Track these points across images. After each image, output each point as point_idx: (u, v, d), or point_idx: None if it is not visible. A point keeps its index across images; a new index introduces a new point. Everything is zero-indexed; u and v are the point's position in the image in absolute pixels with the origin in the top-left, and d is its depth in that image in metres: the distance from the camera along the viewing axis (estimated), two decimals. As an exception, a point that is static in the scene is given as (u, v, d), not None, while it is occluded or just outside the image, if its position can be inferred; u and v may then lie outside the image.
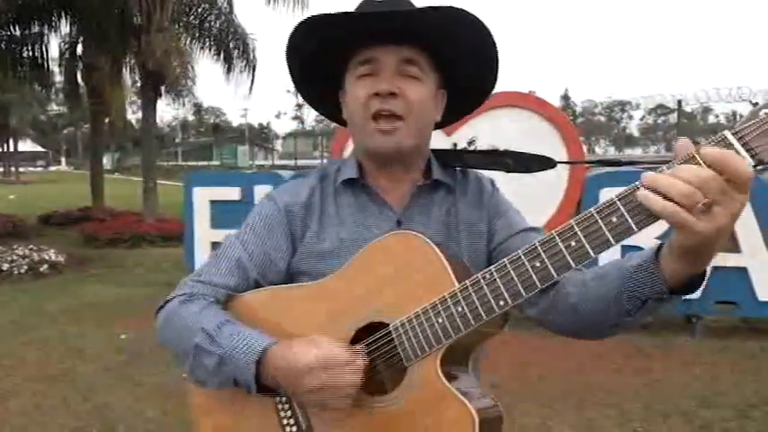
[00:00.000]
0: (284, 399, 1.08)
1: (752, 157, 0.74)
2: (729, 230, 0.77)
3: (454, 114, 1.26)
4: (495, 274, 0.92)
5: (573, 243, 0.85)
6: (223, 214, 5.85)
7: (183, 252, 6.45)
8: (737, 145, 0.74)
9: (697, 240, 0.77)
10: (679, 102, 15.59)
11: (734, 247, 4.97)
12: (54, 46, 13.39)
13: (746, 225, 4.92)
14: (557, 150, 5.43)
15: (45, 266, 8.20)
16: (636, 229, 0.80)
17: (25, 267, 8.07)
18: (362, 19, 1.09)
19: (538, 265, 0.88)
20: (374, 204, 1.19)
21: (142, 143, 12.64)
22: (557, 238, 0.86)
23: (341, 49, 1.14)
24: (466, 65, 1.16)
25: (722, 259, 4.98)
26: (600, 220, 0.82)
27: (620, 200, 0.81)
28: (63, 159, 71.78)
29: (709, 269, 0.87)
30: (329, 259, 1.14)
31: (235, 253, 1.17)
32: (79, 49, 13.27)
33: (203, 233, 5.93)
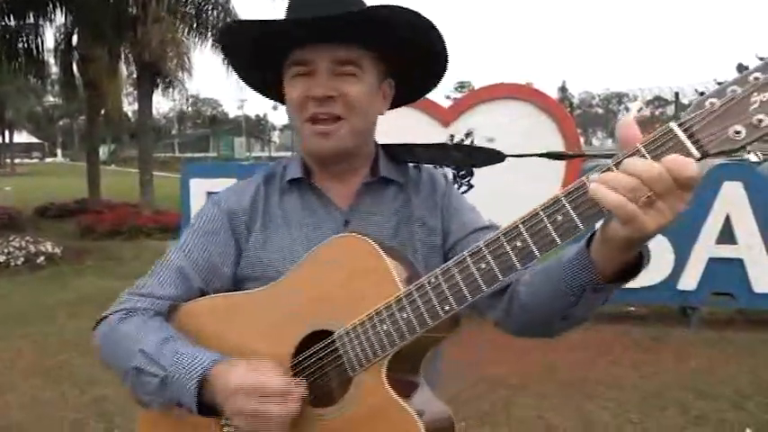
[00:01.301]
0: (228, 419, 1.02)
1: (698, 149, 0.71)
2: (670, 226, 0.74)
3: (411, 96, 1.22)
4: (440, 277, 0.87)
5: (518, 243, 0.81)
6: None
7: (179, 244, 6.43)
8: (683, 137, 0.72)
9: (640, 234, 0.74)
10: (676, 94, 15.59)
11: (730, 238, 4.99)
12: (50, 37, 13.30)
13: (742, 216, 4.94)
14: (554, 142, 5.42)
15: (42, 258, 8.19)
16: (582, 227, 0.77)
17: (22, 259, 8.06)
18: (291, 25, 1.05)
19: (483, 266, 0.84)
20: (320, 204, 1.15)
21: (139, 135, 12.59)
22: (502, 238, 0.82)
23: (273, 50, 1.10)
24: (408, 53, 1.11)
25: (718, 251, 5.01)
26: (545, 219, 0.78)
27: (565, 197, 0.77)
28: (59, 151, 71.53)
29: (646, 258, 0.85)
30: (276, 263, 1.10)
31: (176, 262, 1.13)
32: (75, 40, 13.20)
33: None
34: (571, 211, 0.77)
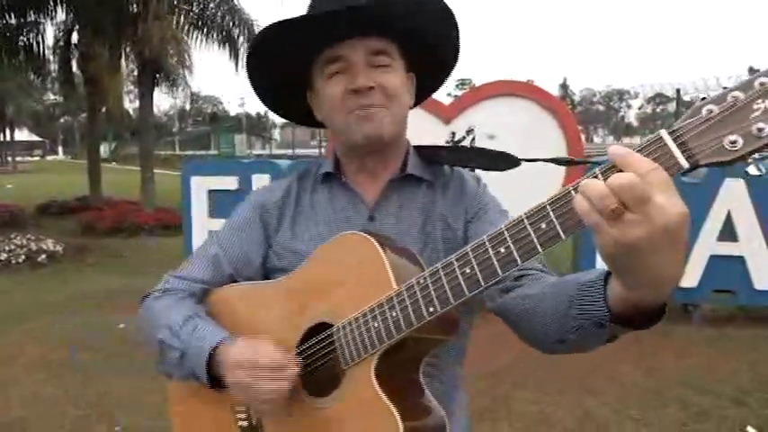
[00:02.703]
0: None
1: (688, 158, 0.66)
2: (656, 250, 0.66)
3: (420, 95, 1.24)
4: (428, 279, 0.88)
5: (502, 249, 0.79)
6: (221, 203, 5.83)
7: (181, 241, 6.44)
8: (673, 146, 0.67)
9: (612, 250, 0.67)
10: (678, 91, 15.55)
11: (731, 236, 4.99)
12: (50, 34, 13.32)
13: (743, 214, 4.93)
14: (555, 139, 5.43)
15: (43, 256, 8.20)
16: (563, 237, 0.74)
17: (23, 257, 8.06)
18: (326, 19, 1.04)
19: (467, 271, 0.83)
20: (348, 199, 1.18)
21: (140, 133, 12.58)
22: (487, 243, 0.81)
23: (304, 51, 1.11)
24: (432, 46, 1.14)
25: (719, 248, 5.01)
26: (529, 226, 0.76)
27: (550, 204, 0.74)
28: (60, 149, 71.55)
29: (665, 313, 0.77)
30: (303, 255, 1.13)
31: (211, 250, 1.22)
32: (75, 37, 13.19)
33: (201, 222, 5.91)
34: (554, 220, 0.74)
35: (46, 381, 4.13)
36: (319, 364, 1.03)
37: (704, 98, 0.68)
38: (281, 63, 1.14)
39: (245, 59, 1.17)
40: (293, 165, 6.16)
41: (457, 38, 1.14)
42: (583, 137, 5.67)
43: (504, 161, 1.19)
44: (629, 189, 0.63)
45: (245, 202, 1.26)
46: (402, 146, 1.20)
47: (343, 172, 1.20)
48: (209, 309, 1.18)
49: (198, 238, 5.89)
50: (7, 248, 8.15)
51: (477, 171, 1.25)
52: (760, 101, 0.64)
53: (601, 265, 0.76)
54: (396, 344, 0.92)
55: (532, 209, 0.76)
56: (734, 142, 0.65)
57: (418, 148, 1.23)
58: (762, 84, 0.64)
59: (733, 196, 4.91)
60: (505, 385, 3.88)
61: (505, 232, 0.79)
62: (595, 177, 0.69)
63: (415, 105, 1.23)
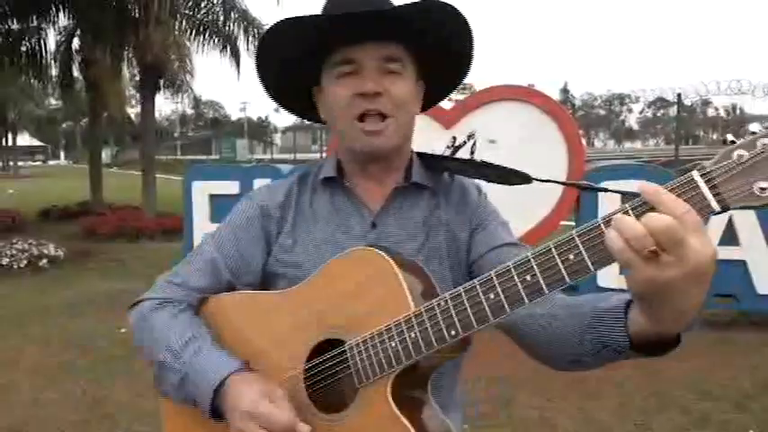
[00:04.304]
0: None
1: (719, 202, 0.68)
2: (685, 288, 0.69)
3: (428, 103, 1.23)
4: (449, 302, 0.87)
5: (528, 277, 0.80)
6: (222, 208, 5.84)
7: (182, 246, 6.45)
8: (705, 189, 0.69)
9: (644, 287, 0.70)
10: (678, 95, 15.55)
11: (732, 240, 4.98)
12: (52, 39, 13.34)
13: (745, 219, 4.93)
14: (556, 144, 5.42)
15: (44, 261, 8.21)
16: (592, 269, 0.75)
17: (25, 262, 8.08)
18: (344, 20, 1.03)
19: (492, 297, 0.83)
20: (350, 204, 1.16)
21: (142, 138, 12.60)
22: (513, 270, 0.81)
23: (316, 49, 1.10)
24: (444, 55, 1.13)
25: (721, 252, 4.99)
26: (557, 256, 0.77)
27: (579, 236, 0.75)
28: (62, 153, 71.66)
29: (683, 338, 0.80)
30: (303, 260, 1.12)
31: (209, 254, 1.17)
32: (77, 42, 13.23)
33: (202, 227, 5.93)
34: (583, 252, 0.75)
35: (46, 385, 4.12)
36: (331, 381, 1.01)
37: (733, 141, 0.70)
38: (292, 55, 1.12)
39: (257, 45, 1.14)
40: (294, 169, 6.17)
41: (471, 52, 1.13)
42: (583, 141, 5.66)
43: (516, 178, 1.19)
44: (667, 231, 0.65)
45: (245, 202, 1.21)
46: (406, 153, 1.18)
47: (346, 176, 1.18)
48: (208, 320, 1.14)
49: (199, 242, 5.89)
50: (9, 253, 8.16)
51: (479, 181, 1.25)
52: None
53: (605, 282, 0.77)
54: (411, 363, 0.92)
55: (561, 239, 0.77)
56: (764, 189, 0.67)
57: (421, 155, 1.22)
58: None
59: (734, 200, 4.90)
60: (506, 390, 3.87)
61: (532, 260, 0.79)
62: (626, 213, 0.70)
63: (424, 111, 1.22)
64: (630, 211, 0.70)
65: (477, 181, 1.24)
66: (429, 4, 1.02)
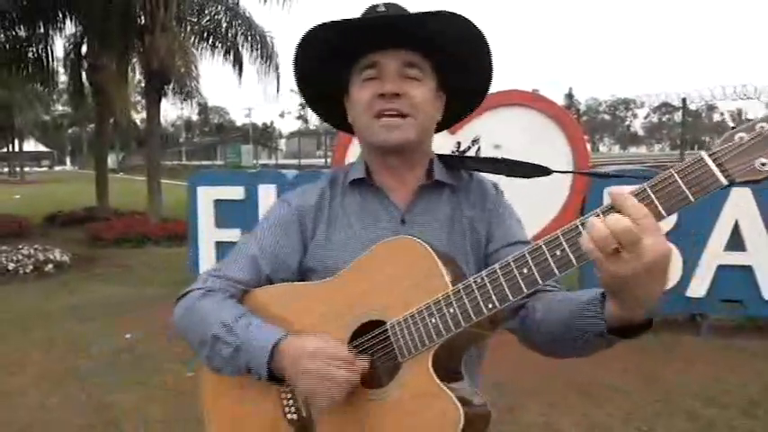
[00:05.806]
0: (288, 387, 1.15)
1: (726, 177, 0.80)
2: (647, 279, 0.81)
3: (452, 117, 1.31)
4: (485, 278, 0.97)
5: (525, 270, 0.93)
6: (227, 214, 5.86)
7: (187, 252, 6.46)
8: (713, 166, 0.80)
9: (610, 281, 0.83)
10: (684, 100, 15.51)
11: (738, 245, 4.96)
12: (59, 46, 13.44)
13: (752, 224, 4.91)
14: (561, 149, 5.42)
15: (50, 266, 8.23)
16: (575, 264, 0.88)
17: (30, 267, 8.10)
18: (370, 26, 1.14)
19: (525, 271, 0.94)
20: (379, 203, 1.24)
21: (147, 143, 12.64)
22: (512, 264, 0.94)
23: (345, 56, 1.19)
24: (463, 68, 1.21)
25: (727, 258, 4.98)
26: (546, 252, 0.90)
27: (563, 235, 0.89)
28: (68, 159, 72.00)
29: (654, 319, 0.91)
30: (336, 258, 1.20)
31: (250, 250, 1.25)
32: (84, 49, 13.31)
33: (208, 233, 5.93)
34: (567, 249, 0.88)
35: (51, 390, 4.13)
36: (374, 359, 1.08)
37: (734, 127, 0.82)
38: (325, 63, 1.21)
39: (294, 53, 1.22)
40: (299, 175, 6.18)
41: (490, 68, 1.22)
42: (588, 146, 5.66)
43: (532, 170, 1.29)
44: (626, 232, 0.78)
45: (281, 204, 1.29)
46: (426, 152, 1.26)
47: (373, 176, 1.25)
48: (252, 308, 1.21)
49: (204, 248, 5.91)
50: (15, 258, 8.19)
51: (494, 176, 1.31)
52: None
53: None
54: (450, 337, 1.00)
55: (549, 237, 0.90)
56: (765, 164, 0.79)
57: (440, 156, 1.30)
58: None
59: (740, 206, 4.89)
60: (511, 396, 3.85)
61: (527, 255, 0.92)
62: (597, 216, 0.83)
63: (442, 129, 1.31)
64: (601, 215, 0.83)
65: (494, 179, 1.32)
66: (444, 15, 1.10)
